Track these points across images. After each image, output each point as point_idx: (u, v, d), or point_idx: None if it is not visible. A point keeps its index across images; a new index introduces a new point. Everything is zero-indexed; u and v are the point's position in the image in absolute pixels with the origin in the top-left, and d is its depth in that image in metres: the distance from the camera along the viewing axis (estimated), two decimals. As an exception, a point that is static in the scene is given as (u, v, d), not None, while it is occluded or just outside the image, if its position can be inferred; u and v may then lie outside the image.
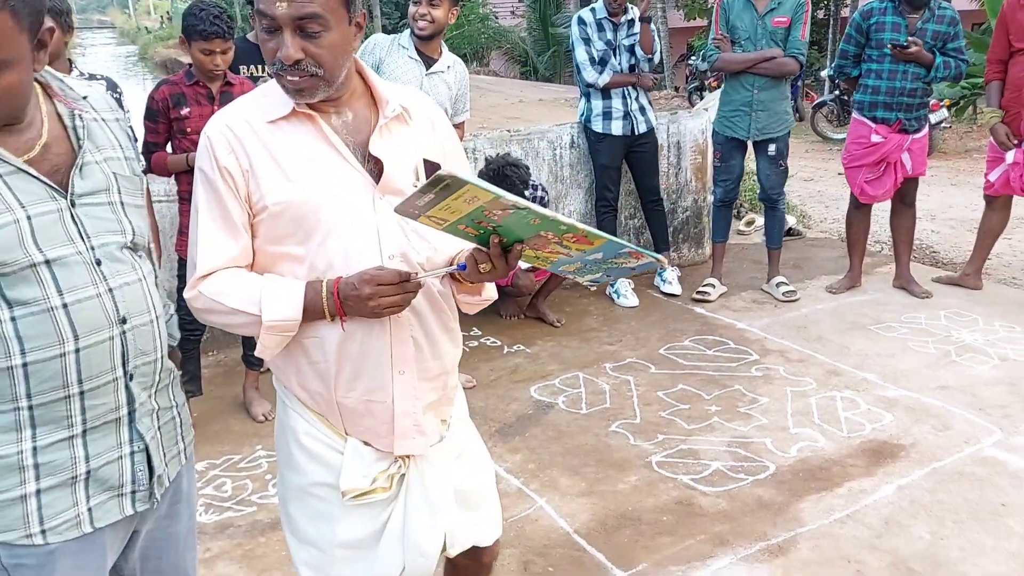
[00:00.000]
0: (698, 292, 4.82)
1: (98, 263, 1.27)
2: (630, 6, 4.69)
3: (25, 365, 1.21)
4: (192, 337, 3.34)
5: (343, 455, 1.56)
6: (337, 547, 1.60)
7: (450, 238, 1.45)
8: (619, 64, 4.63)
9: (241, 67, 3.61)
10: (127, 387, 1.31)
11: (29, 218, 1.20)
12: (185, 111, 3.16)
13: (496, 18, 25.48)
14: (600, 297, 4.93)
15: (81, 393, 1.26)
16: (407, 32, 3.68)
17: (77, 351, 1.24)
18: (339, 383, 1.53)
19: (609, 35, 4.60)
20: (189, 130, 3.17)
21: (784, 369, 3.88)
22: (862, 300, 4.71)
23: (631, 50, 4.62)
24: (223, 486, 3.06)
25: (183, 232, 3.28)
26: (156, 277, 1.44)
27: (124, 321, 1.29)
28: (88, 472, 1.30)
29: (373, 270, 1.42)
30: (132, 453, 1.35)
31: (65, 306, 1.22)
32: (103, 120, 1.36)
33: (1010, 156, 4.36)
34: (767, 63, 4.46)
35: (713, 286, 4.84)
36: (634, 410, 3.54)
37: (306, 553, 1.65)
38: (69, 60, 2.99)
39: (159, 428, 1.41)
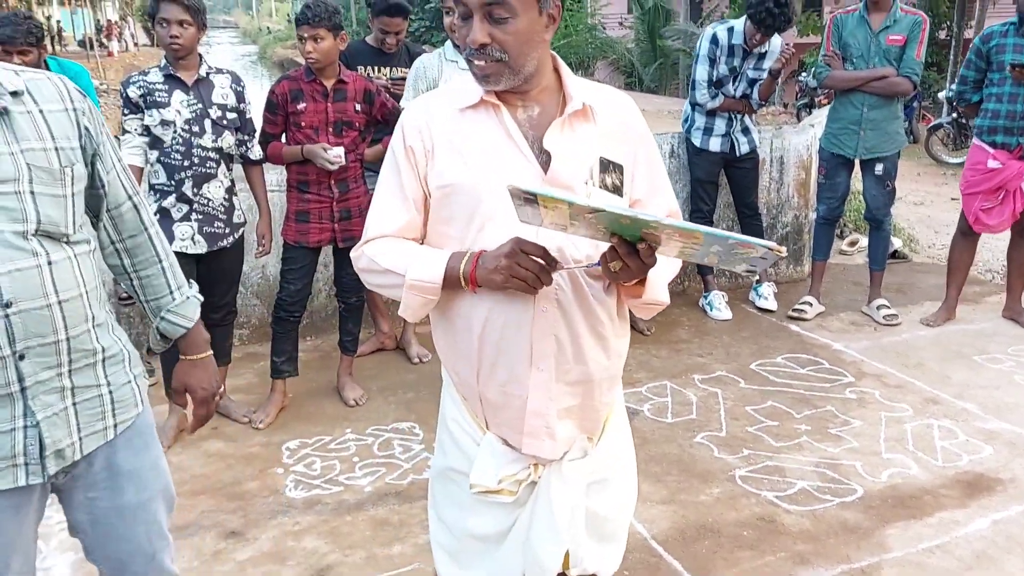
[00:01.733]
0: (794, 310, 4.74)
1: None
2: (769, 41, 4.50)
3: None
4: (291, 320, 3.50)
5: (479, 447, 1.60)
6: (467, 536, 1.66)
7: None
8: (735, 90, 4.58)
9: (359, 67, 3.79)
10: (16, 366, 1.37)
11: None
12: (301, 106, 3.32)
13: (604, 28, 25.49)
14: (693, 308, 4.90)
15: None
16: (448, 44, 3.63)
17: None
18: (481, 370, 1.55)
19: (737, 62, 4.51)
20: (304, 124, 3.32)
21: (880, 393, 3.78)
22: (967, 329, 4.54)
23: (752, 83, 4.57)
24: (313, 464, 3.20)
25: (289, 218, 3.45)
26: (80, 261, 1.47)
27: (8, 305, 1.34)
28: None
29: (524, 238, 1.42)
30: (25, 427, 1.41)
31: None
32: (45, 112, 1.43)
33: None
34: (879, 82, 4.36)
35: (810, 304, 4.75)
36: (720, 423, 3.53)
37: (442, 535, 1.72)
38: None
39: (74, 405, 1.47)
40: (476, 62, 1.47)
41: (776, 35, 4.46)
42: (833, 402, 3.69)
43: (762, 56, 4.52)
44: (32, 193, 1.39)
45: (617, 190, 1.53)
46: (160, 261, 1.66)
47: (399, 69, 4.01)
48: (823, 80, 4.60)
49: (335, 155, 3.27)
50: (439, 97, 1.59)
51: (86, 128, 1.49)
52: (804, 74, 15.40)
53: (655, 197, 1.63)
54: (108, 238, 1.61)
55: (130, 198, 1.60)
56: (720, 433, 3.44)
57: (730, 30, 4.52)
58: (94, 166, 1.52)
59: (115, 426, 1.56)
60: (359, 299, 3.63)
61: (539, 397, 1.54)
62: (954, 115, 10.40)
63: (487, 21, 1.43)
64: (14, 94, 1.40)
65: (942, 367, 4.04)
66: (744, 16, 4.44)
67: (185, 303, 1.69)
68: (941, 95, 12.22)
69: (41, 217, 1.39)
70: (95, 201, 1.55)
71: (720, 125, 4.64)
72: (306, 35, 3.23)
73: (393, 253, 1.53)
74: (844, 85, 4.48)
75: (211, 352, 1.75)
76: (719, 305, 4.80)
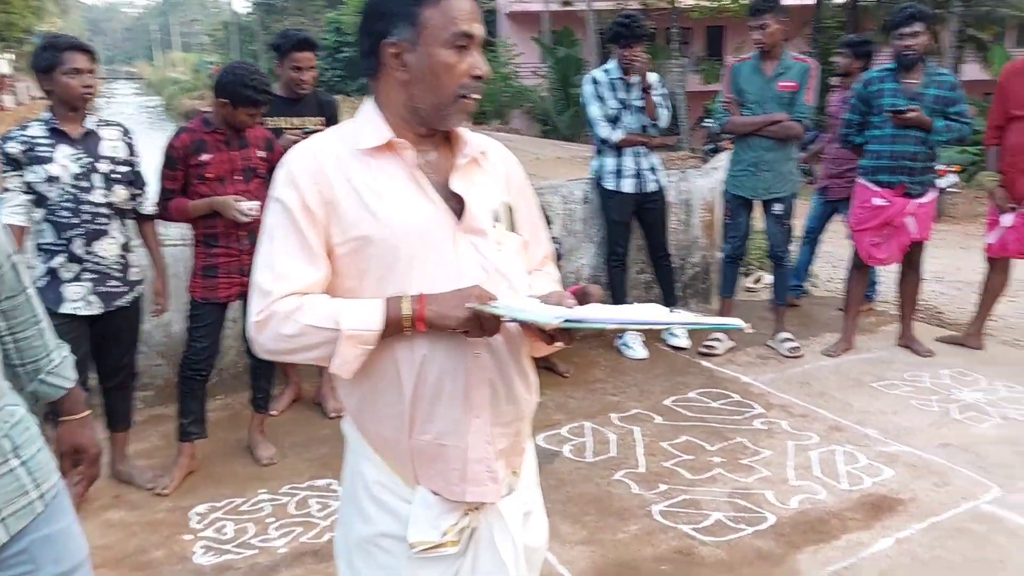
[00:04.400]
0: (705, 346, 4.88)
1: None
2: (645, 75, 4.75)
3: None
4: (198, 377, 3.41)
5: (411, 505, 1.52)
6: None
7: (527, 279, 1.53)
8: (632, 124, 4.76)
9: (267, 119, 3.76)
10: None
11: None
12: (205, 157, 3.28)
13: (518, 77, 26.03)
14: (608, 349, 4.99)
15: None
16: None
17: None
18: (413, 425, 1.48)
19: (622, 94, 4.73)
20: (209, 175, 3.29)
21: (787, 423, 3.91)
22: (866, 358, 4.75)
23: (643, 110, 4.76)
24: (224, 528, 3.10)
25: (196, 274, 3.39)
26: None
27: None
28: None
29: (484, 288, 1.41)
30: None
31: None
32: None
33: (1007, 219, 4.44)
34: (773, 126, 4.59)
35: (720, 340, 4.90)
36: (638, 459, 3.58)
37: None
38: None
39: None
40: (475, 96, 1.47)
41: (651, 73, 4.70)
42: (744, 433, 3.80)
43: (645, 89, 4.72)
44: None
45: (513, 230, 1.57)
46: (39, 322, 1.59)
47: (310, 120, 3.99)
48: (723, 125, 4.82)
49: (249, 207, 3.24)
50: (326, 141, 1.51)
51: None
52: (709, 120, 16.01)
53: (536, 247, 1.69)
54: None
55: (8, 257, 1.53)
56: (638, 469, 3.49)
57: (605, 70, 4.79)
58: None
59: (43, 496, 1.47)
60: (270, 354, 3.55)
61: (479, 444, 1.51)
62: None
63: None
64: None
65: (844, 395, 4.21)
66: (611, 58, 4.70)
67: (63, 363, 1.63)
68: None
69: None
70: None
71: (629, 165, 4.79)
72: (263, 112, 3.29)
73: (312, 308, 1.42)
74: (741, 130, 4.70)
75: (90, 410, 1.70)
76: (634, 344, 4.91)
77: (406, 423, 1.48)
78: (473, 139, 1.56)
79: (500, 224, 1.53)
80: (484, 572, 1.55)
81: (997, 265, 4.71)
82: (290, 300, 1.43)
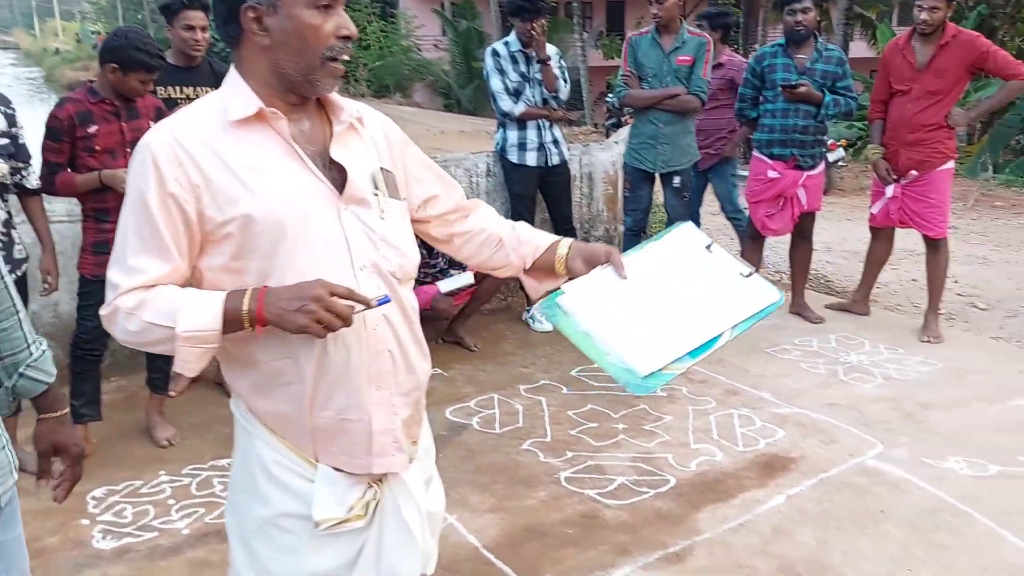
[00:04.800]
0: (608, 317, 4.98)
1: None
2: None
3: None
4: (90, 357, 3.29)
5: (313, 483, 1.48)
6: None
7: (416, 246, 1.52)
8: (533, 97, 4.78)
9: (158, 88, 3.61)
10: None
11: None
12: (92, 129, 3.14)
13: (419, 50, 25.71)
14: (517, 322, 5.04)
15: None
16: None
17: None
18: (314, 403, 1.44)
19: (523, 67, 4.74)
20: (98, 148, 3.15)
21: (687, 389, 4.05)
22: (760, 325, 4.80)
23: (542, 84, 4.78)
24: (123, 512, 3.02)
25: (86, 250, 3.25)
26: None
27: None
28: None
29: (323, 279, 1.34)
30: None
31: None
32: None
33: (889, 190, 4.68)
34: (671, 100, 4.69)
35: (623, 311, 5.00)
36: (545, 429, 3.65)
37: None
38: None
39: None
40: (344, 57, 1.41)
41: (549, 45, 4.74)
42: (646, 400, 3.91)
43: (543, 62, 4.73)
44: None
45: (395, 195, 1.54)
46: (17, 312, 1.49)
47: (203, 89, 3.85)
48: (622, 99, 4.89)
49: None
50: (188, 117, 1.42)
51: None
52: (610, 95, 16.20)
53: (451, 189, 1.69)
54: None
55: None
56: (545, 439, 3.56)
57: (506, 43, 4.79)
58: None
59: None
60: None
61: (383, 415, 1.49)
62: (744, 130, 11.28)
63: None
64: None
65: (740, 360, 4.38)
66: (513, 31, 4.73)
67: (43, 357, 1.53)
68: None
69: None
70: None
71: (533, 137, 4.81)
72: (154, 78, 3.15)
73: (155, 303, 1.36)
74: (640, 103, 4.78)
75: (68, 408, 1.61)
76: (541, 318, 4.96)
77: (306, 402, 1.44)
78: (348, 104, 1.50)
79: (381, 192, 1.49)
80: (391, 542, 1.55)
81: (880, 235, 4.96)
82: (134, 295, 1.37)
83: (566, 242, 1.70)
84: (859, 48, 19.99)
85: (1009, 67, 4.38)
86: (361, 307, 1.36)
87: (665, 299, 1.56)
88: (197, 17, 3.73)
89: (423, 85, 25.47)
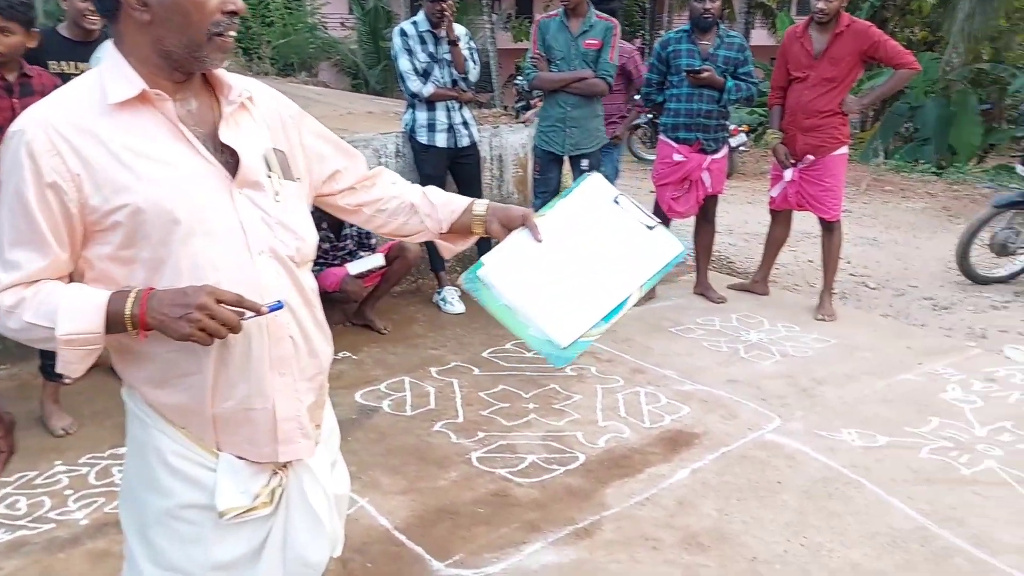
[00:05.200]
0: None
1: None
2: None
3: None
4: None
5: (216, 473, 1.44)
6: (211, 570, 1.48)
7: (313, 228, 1.50)
8: (442, 78, 4.75)
9: (51, 62, 3.44)
10: None
11: None
12: None
13: (326, 28, 25.15)
14: (427, 304, 5.03)
15: None
16: None
17: None
18: (215, 393, 1.40)
19: (432, 48, 4.71)
20: None
21: (595, 368, 4.13)
22: (665, 305, 5.08)
23: (452, 64, 4.76)
24: (16, 504, 2.90)
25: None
26: None
27: None
28: None
29: (210, 286, 1.30)
30: None
31: None
32: None
33: (787, 174, 4.86)
34: (579, 83, 4.74)
35: (533, 293, 5.05)
36: (457, 410, 3.66)
37: None
38: None
39: None
40: (231, 33, 1.35)
41: (458, 26, 4.74)
42: (556, 380, 3.97)
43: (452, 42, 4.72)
44: None
45: (289, 177, 1.50)
46: None
47: None
48: (531, 81, 4.92)
49: None
50: (62, 101, 1.32)
51: None
52: (520, 78, 16.23)
53: (354, 160, 1.66)
54: None
55: None
56: (457, 420, 3.58)
57: (414, 23, 4.75)
58: None
59: None
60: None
61: (287, 402, 1.47)
62: (651, 115, 11.51)
63: None
64: None
65: (646, 340, 4.49)
66: (421, 11, 4.71)
67: None
68: (636, 97, 13.47)
69: None
70: None
71: (442, 119, 4.79)
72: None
73: (33, 302, 1.30)
74: (549, 86, 4.81)
75: None
76: (452, 300, 4.97)
77: (207, 392, 1.40)
78: (236, 82, 1.44)
79: (275, 174, 1.44)
80: (298, 528, 1.54)
81: (779, 217, 5.15)
82: (13, 293, 1.31)
83: (481, 203, 1.70)
84: (760, 36, 20.59)
85: (898, 56, 4.59)
86: (251, 314, 1.32)
87: (578, 260, 1.60)
88: None
89: (329, 64, 24.93)
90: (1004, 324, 5.00)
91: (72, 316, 1.28)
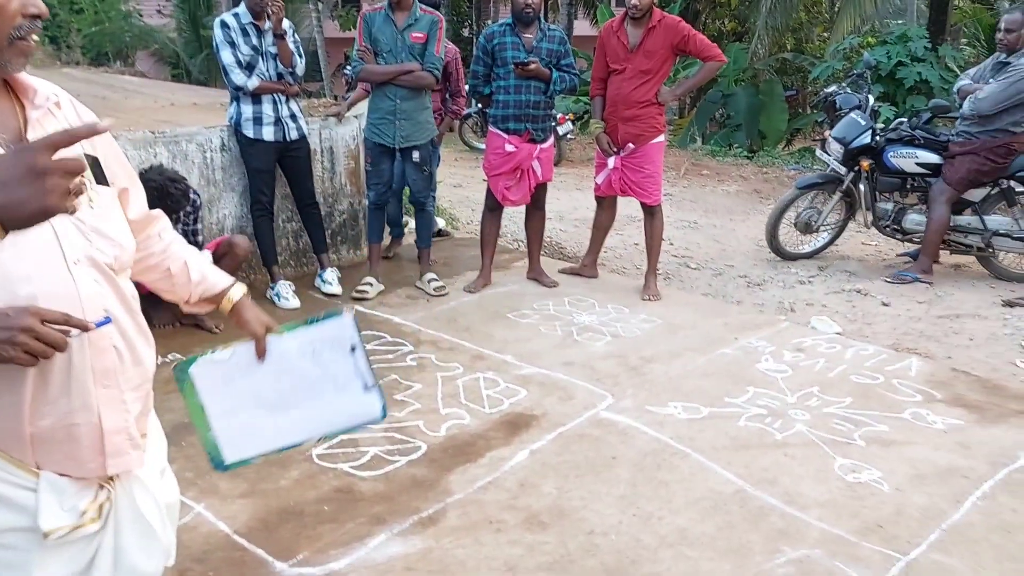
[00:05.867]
0: (357, 291, 5.00)
1: None
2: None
3: None
4: None
5: (36, 492, 1.37)
6: None
7: (131, 234, 1.46)
8: (267, 71, 4.64)
9: None
10: None
11: None
12: None
13: (141, 16, 23.74)
14: (261, 300, 4.86)
15: None
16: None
17: None
18: (33, 411, 1.33)
19: (255, 40, 4.59)
20: None
21: (436, 357, 4.18)
22: (502, 292, 5.21)
23: (277, 57, 4.66)
24: None
25: None
26: None
27: None
28: None
29: (35, 306, 1.24)
30: None
31: None
32: None
33: (611, 162, 5.09)
34: (406, 76, 4.75)
35: (371, 284, 5.05)
36: (294, 409, 3.60)
37: None
38: None
39: None
40: (34, 37, 1.29)
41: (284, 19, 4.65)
42: (397, 370, 3.99)
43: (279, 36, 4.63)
44: None
45: (102, 182, 1.45)
46: None
47: None
48: (358, 74, 4.88)
49: None
50: None
51: None
52: (348, 67, 15.98)
53: (136, 188, 1.60)
54: None
55: None
56: (295, 419, 3.52)
57: (235, 14, 4.65)
58: None
59: None
60: None
61: (114, 414, 1.41)
62: (480, 106, 11.68)
63: None
64: None
65: (485, 327, 4.59)
66: (243, 2, 4.62)
67: None
68: (466, 87, 13.61)
69: None
70: None
71: (269, 112, 4.69)
72: None
73: None
74: (377, 79, 4.80)
75: None
76: (286, 295, 4.87)
77: (24, 410, 1.33)
78: (42, 87, 1.39)
79: (88, 180, 1.39)
80: (129, 541, 1.50)
81: (605, 203, 5.39)
82: None
83: (239, 290, 1.72)
84: (583, 27, 21.28)
85: (707, 50, 4.91)
86: (77, 331, 1.27)
87: (284, 390, 1.65)
88: None
89: (147, 54, 23.55)
90: (810, 298, 5.47)
91: None
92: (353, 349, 1.64)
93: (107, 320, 1.34)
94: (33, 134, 1.34)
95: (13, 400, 1.33)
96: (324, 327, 1.65)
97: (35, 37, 1.31)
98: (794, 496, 3.03)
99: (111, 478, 1.47)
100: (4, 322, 1.21)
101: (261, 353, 1.62)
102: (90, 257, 1.37)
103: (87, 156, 1.41)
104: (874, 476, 3.16)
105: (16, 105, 1.36)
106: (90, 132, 1.19)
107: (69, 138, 1.16)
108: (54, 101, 1.40)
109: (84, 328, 1.28)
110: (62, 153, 1.15)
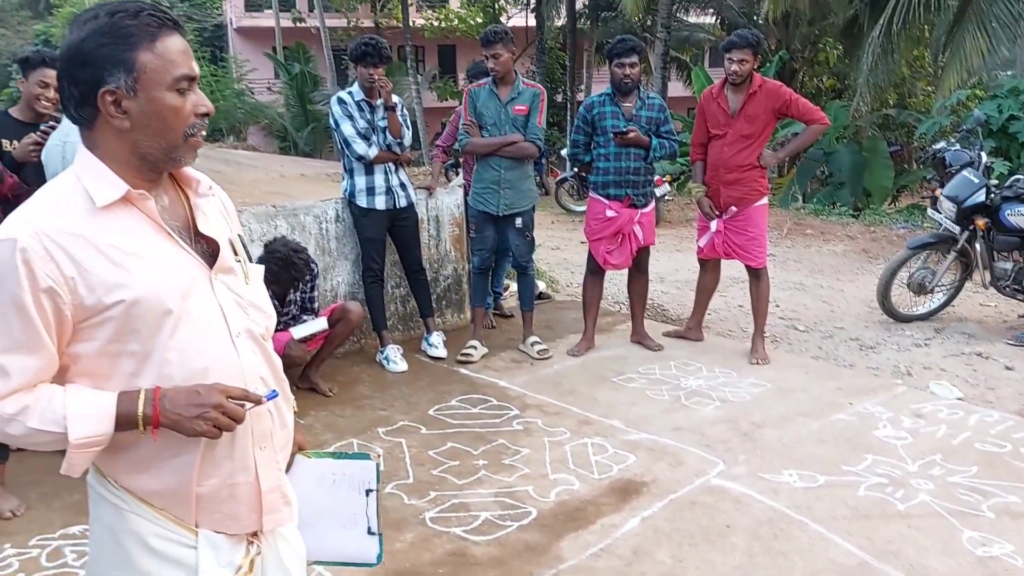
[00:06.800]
0: (462, 354, 5.10)
1: None
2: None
3: None
4: None
5: (196, 549, 1.47)
6: None
7: (271, 303, 1.58)
8: (380, 143, 4.88)
9: (3, 140, 3.53)
10: None
11: None
12: None
13: (252, 93, 25.21)
14: (371, 364, 5.05)
15: None
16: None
17: None
18: (201, 472, 1.44)
19: (368, 115, 4.85)
20: None
21: (542, 421, 4.21)
22: (606, 356, 5.22)
23: (387, 131, 4.89)
24: (-36, 592, 2.82)
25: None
26: None
27: None
28: None
29: (220, 384, 1.39)
30: None
31: None
32: None
33: (713, 225, 5.10)
34: (510, 147, 4.93)
35: (475, 348, 5.14)
36: (407, 471, 3.69)
37: None
38: None
39: None
40: (202, 133, 1.44)
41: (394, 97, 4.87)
42: (504, 435, 4.04)
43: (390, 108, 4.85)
44: None
45: (252, 260, 1.60)
46: None
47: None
48: (464, 147, 5.08)
49: None
50: (44, 206, 1.36)
51: None
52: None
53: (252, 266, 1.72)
54: None
55: None
56: (408, 480, 3.60)
57: (350, 92, 4.91)
58: None
59: None
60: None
61: (270, 474, 1.53)
62: (576, 169, 11.85)
63: None
64: None
65: (590, 391, 4.60)
66: (354, 81, 4.85)
67: None
68: (564, 152, 13.84)
69: None
70: None
71: (380, 182, 4.91)
72: None
73: (38, 409, 1.34)
74: (482, 151, 4.99)
75: None
76: (395, 358, 5.01)
77: (195, 473, 1.44)
78: (202, 177, 1.53)
79: (243, 258, 1.54)
80: None
81: (708, 266, 5.37)
82: (14, 400, 1.34)
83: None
84: (676, 88, 21.38)
85: (809, 113, 4.90)
86: (252, 404, 1.42)
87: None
88: (54, 76, 3.65)
89: (258, 128, 24.96)
90: (927, 361, 5.27)
91: (83, 421, 1.34)
92: (368, 492, 1.73)
93: (275, 394, 1.47)
94: (201, 221, 1.49)
95: (184, 463, 1.45)
96: (349, 465, 1.74)
97: (203, 133, 1.47)
98: (920, 570, 2.90)
99: (256, 533, 1.57)
100: (196, 399, 1.36)
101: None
102: (248, 329, 1.51)
103: (237, 236, 1.58)
104: (1006, 550, 3.01)
105: (181, 194, 1.52)
106: (257, 401, 1.43)
107: (244, 395, 1.40)
108: (209, 186, 1.55)
109: (259, 403, 1.42)
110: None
